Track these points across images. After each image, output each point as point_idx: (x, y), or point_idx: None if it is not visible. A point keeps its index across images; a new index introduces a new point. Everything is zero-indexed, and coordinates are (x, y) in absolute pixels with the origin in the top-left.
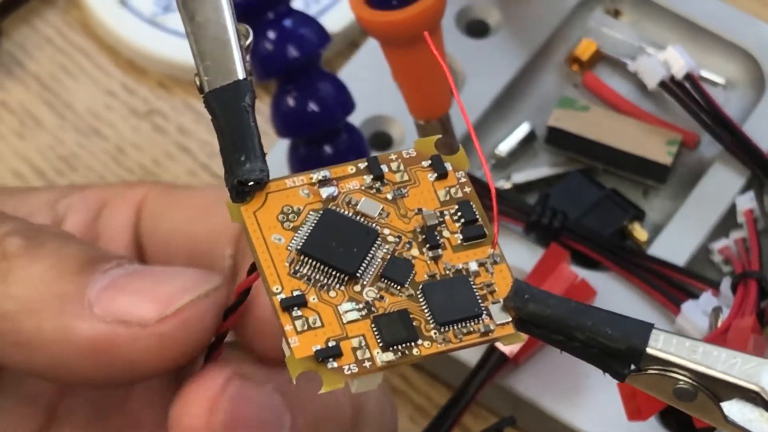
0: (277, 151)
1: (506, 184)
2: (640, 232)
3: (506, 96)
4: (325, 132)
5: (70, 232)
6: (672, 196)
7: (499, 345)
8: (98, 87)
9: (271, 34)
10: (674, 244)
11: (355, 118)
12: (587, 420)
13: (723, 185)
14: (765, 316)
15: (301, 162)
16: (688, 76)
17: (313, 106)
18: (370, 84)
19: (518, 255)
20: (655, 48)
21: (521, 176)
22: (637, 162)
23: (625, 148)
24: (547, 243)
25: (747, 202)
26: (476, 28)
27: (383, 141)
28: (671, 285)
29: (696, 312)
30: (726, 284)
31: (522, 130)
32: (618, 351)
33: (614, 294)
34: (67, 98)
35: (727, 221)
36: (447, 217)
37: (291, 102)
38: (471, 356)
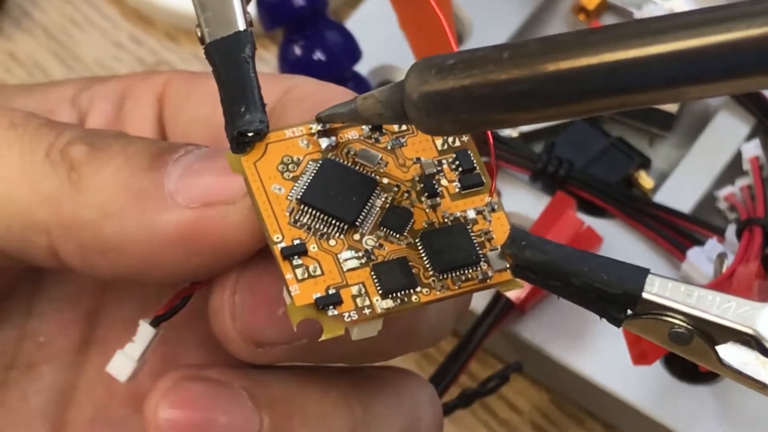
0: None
1: (513, 133)
2: (645, 180)
3: None
4: (332, 81)
5: (124, 132)
6: (678, 143)
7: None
8: (106, 38)
9: None
10: (680, 191)
11: (362, 67)
12: (593, 366)
13: (728, 133)
14: None
15: None
16: None
17: (319, 55)
18: (378, 33)
19: (524, 203)
20: None
21: None
22: (642, 110)
23: None
24: (554, 191)
25: (752, 150)
26: None
27: None
28: (677, 232)
29: (701, 258)
30: (731, 231)
31: None
32: (614, 296)
33: (620, 241)
34: (75, 49)
35: (733, 168)
36: (445, 166)
37: (298, 51)
38: (478, 303)
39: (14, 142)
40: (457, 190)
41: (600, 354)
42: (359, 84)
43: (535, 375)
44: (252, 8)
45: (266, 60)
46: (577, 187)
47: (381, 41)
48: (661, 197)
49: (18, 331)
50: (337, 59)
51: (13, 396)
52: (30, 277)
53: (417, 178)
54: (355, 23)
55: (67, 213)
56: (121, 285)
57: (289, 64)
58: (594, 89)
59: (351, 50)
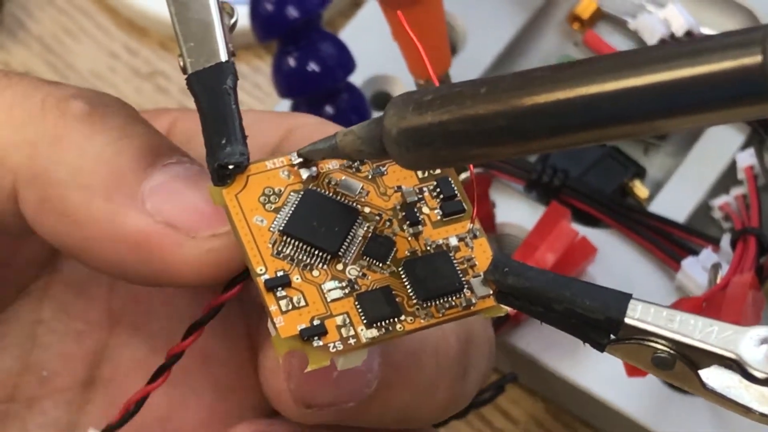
0: (279, 111)
1: None
2: (640, 189)
3: (507, 54)
4: (326, 92)
5: (135, 111)
6: (672, 153)
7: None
8: (101, 48)
9: None
10: (675, 200)
11: (357, 78)
12: (588, 376)
13: (723, 142)
14: (764, 272)
15: None
16: (689, 34)
17: (313, 66)
18: (372, 44)
19: (519, 213)
20: (655, 6)
21: None
22: None
23: None
24: (548, 201)
25: (747, 159)
26: None
27: (384, 101)
28: (672, 242)
29: (696, 268)
30: (726, 240)
31: None
32: (596, 321)
33: (615, 251)
34: (69, 60)
35: (728, 178)
36: (426, 194)
37: (292, 62)
38: None
39: (6, 87)
40: (438, 217)
41: (595, 364)
42: (353, 95)
43: (530, 385)
44: (245, 19)
45: (261, 70)
46: (571, 197)
47: (375, 52)
48: (656, 207)
49: (20, 362)
50: (331, 70)
51: (13, 429)
52: (32, 305)
53: (398, 207)
54: (349, 34)
55: (40, 163)
56: (130, 323)
57: (283, 76)
58: (571, 123)
59: (345, 61)
